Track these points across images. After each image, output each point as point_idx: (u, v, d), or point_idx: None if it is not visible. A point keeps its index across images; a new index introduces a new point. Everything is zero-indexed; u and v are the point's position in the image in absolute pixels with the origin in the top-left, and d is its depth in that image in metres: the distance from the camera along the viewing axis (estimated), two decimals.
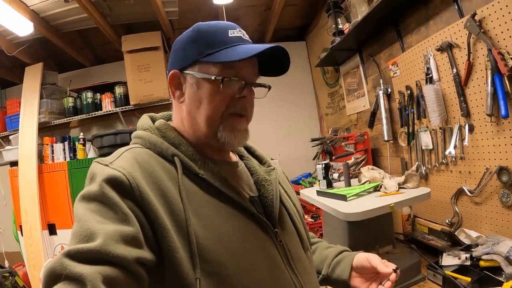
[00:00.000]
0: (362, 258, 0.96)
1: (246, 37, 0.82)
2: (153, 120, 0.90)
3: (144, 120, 0.89)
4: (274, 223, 0.82)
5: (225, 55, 0.76)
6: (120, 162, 0.72)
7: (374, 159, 2.69)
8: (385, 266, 0.89)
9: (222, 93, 0.78)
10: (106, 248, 0.56)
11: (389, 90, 2.37)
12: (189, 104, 0.82)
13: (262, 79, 0.88)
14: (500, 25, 1.42)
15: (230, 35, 0.80)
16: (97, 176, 0.67)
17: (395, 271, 0.87)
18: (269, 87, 0.88)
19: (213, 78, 0.77)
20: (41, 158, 3.21)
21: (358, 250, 1.02)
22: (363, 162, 2.51)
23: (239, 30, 0.82)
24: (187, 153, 0.79)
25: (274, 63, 0.86)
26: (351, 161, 2.52)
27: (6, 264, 3.19)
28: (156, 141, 0.80)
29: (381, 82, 2.43)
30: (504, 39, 1.41)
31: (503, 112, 1.39)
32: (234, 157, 0.95)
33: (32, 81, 3.30)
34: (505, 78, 1.39)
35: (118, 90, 3.45)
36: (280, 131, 4.15)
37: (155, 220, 0.66)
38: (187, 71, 0.81)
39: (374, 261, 0.91)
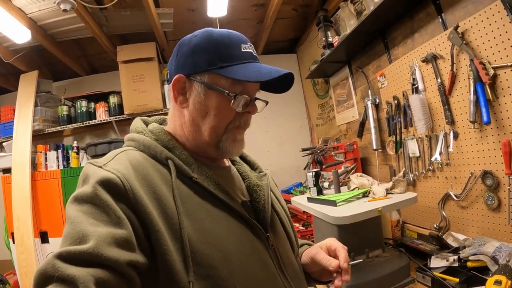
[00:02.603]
0: (304, 260, 0.96)
1: (255, 52, 0.84)
2: (146, 123, 0.90)
3: (138, 123, 0.89)
4: (265, 228, 0.83)
5: (241, 73, 0.77)
6: (114, 164, 0.72)
7: (364, 167, 2.75)
8: (331, 261, 0.84)
9: (230, 108, 0.80)
10: (98, 251, 0.56)
11: (377, 100, 2.44)
12: (194, 111, 0.82)
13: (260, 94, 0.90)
14: (481, 37, 1.50)
15: (242, 50, 0.80)
16: (91, 177, 0.67)
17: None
18: (267, 103, 0.90)
19: (226, 92, 0.78)
20: (34, 165, 3.20)
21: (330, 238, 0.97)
22: (352, 171, 2.56)
23: (250, 45, 0.83)
24: (181, 157, 0.80)
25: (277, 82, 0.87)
26: (341, 170, 2.57)
27: None
28: (150, 144, 0.80)
29: (370, 93, 2.51)
30: (485, 49, 1.49)
31: (485, 118, 1.46)
32: (226, 162, 0.96)
33: (27, 88, 3.32)
34: (487, 86, 1.46)
35: (113, 99, 3.48)
36: (272, 141, 4.21)
37: (148, 223, 0.65)
38: (195, 78, 0.80)
39: (317, 259, 0.89)
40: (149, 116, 0.98)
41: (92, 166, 0.71)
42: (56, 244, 3.00)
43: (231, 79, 0.78)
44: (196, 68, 0.80)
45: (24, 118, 3.22)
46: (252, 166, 1.04)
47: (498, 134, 1.49)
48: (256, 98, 0.86)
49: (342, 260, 0.83)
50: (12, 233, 3.00)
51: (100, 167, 0.70)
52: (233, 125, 0.82)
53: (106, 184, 0.66)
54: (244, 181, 0.94)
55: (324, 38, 2.80)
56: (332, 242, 0.90)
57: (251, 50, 0.82)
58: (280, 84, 0.87)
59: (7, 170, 3.18)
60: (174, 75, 0.83)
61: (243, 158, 1.05)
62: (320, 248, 0.92)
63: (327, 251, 0.89)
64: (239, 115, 0.82)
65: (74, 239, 0.58)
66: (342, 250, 0.86)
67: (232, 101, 0.79)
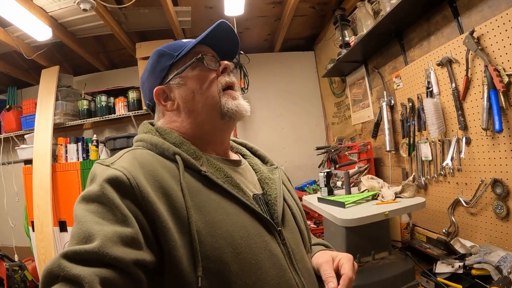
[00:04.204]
0: (314, 262, 0.90)
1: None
2: (153, 125, 0.92)
3: (145, 125, 0.91)
4: (277, 222, 0.82)
5: (189, 46, 0.87)
6: (121, 162, 0.72)
7: (377, 168, 2.74)
8: (331, 282, 0.76)
9: (209, 71, 0.87)
10: (104, 250, 0.56)
11: (392, 102, 2.43)
12: (185, 101, 0.87)
13: None
14: (497, 43, 1.48)
15: (184, 40, 0.91)
16: (98, 176, 0.68)
17: None
18: (236, 63, 0.97)
19: (194, 59, 0.86)
20: (54, 157, 3.31)
21: (349, 254, 0.88)
22: (365, 171, 2.56)
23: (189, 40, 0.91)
24: (189, 151, 0.80)
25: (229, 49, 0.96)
26: (354, 170, 2.57)
27: (16, 258, 3.29)
28: (157, 142, 0.81)
29: (385, 94, 2.49)
30: (500, 56, 1.47)
31: (497, 126, 1.45)
32: (236, 156, 0.97)
33: (48, 83, 3.43)
34: (500, 94, 1.44)
35: (132, 94, 3.55)
36: (287, 138, 4.21)
37: (156, 219, 0.65)
38: (168, 79, 0.88)
39: (322, 271, 0.82)
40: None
41: (100, 166, 0.73)
42: None
43: (190, 55, 0.87)
44: (163, 72, 0.89)
45: (46, 112, 3.33)
46: (263, 159, 1.04)
47: (510, 143, 1.47)
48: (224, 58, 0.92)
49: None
50: (32, 222, 3.13)
51: (108, 166, 0.71)
52: (221, 87, 0.87)
53: (113, 182, 0.66)
54: (256, 174, 0.94)
55: (340, 38, 2.79)
56: (346, 262, 0.81)
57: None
58: (232, 45, 0.95)
59: (29, 161, 3.30)
60: (151, 95, 0.91)
61: (254, 152, 1.05)
62: (331, 259, 0.85)
63: (337, 267, 0.82)
64: (221, 78, 0.88)
65: (80, 238, 0.59)
66: (346, 278, 0.76)
67: (204, 60, 0.87)
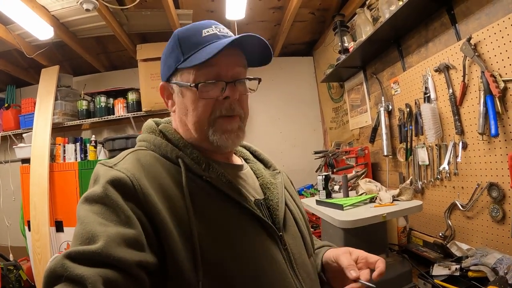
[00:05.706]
0: (329, 256, 0.90)
1: (223, 32, 0.81)
2: (158, 124, 0.90)
3: (149, 123, 0.89)
4: (279, 227, 0.81)
5: (198, 57, 0.76)
6: (124, 164, 0.72)
7: (374, 173, 2.76)
8: (352, 270, 0.76)
9: (204, 99, 0.78)
10: (107, 251, 0.56)
11: (390, 107, 2.46)
12: (179, 112, 0.84)
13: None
14: (493, 49, 1.51)
15: (204, 34, 0.79)
16: (101, 177, 0.68)
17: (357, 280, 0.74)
18: (259, 80, 0.86)
19: (189, 85, 0.78)
20: (52, 157, 3.30)
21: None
22: (363, 176, 2.58)
23: (215, 27, 0.81)
24: (192, 156, 0.79)
25: (261, 53, 0.84)
26: (351, 174, 2.59)
27: (11, 257, 3.26)
28: (161, 144, 0.81)
29: (383, 99, 2.53)
30: (496, 62, 1.50)
31: (493, 131, 1.48)
32: (239, 160, 0.95)
33: (48, 82, 3.43)
34: (496, 99, 1.47)
35: (131, 96, 3.56)
36: (285, 143, 4.22)
37: (158, 222, 0.65)
38: (172, 81, 0.83)
39: (341, 260, 0.82)
40: (166, 114, 0.97)
41: (103, 167, 0.73)
42: (70, 234, 3.10)
43: (196, 68, 0.78)
44: (170, 70, 0.83)
45: (45, 111, 3.32)
46: (266, 164, 1.03)
47: (506, 147, 1.50)
48: (237, 80, 0.81)
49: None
50: (28, 221, 3.11)
51: (111, 167, 0.71)
52: (215, 115, 0.80)
53: (116, 183, 0.66)
54: (258, 179, 0.93)
55: (340, 43, 2.82)
56: (368, 254, 0.82)
57: (216, 31, 0.80)
58: (262, 53, 0.84)
59: (26, 161, 3.30)
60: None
61: (256, 156, 1.04)
62: (349, 252, 0.85)
63: (356, 259, 0.81)
64: (219, 103, 0.80)
65: (83, 239, 0.59)
66: (381, 262, 0.77)
67: (197, 92, 0.78)
